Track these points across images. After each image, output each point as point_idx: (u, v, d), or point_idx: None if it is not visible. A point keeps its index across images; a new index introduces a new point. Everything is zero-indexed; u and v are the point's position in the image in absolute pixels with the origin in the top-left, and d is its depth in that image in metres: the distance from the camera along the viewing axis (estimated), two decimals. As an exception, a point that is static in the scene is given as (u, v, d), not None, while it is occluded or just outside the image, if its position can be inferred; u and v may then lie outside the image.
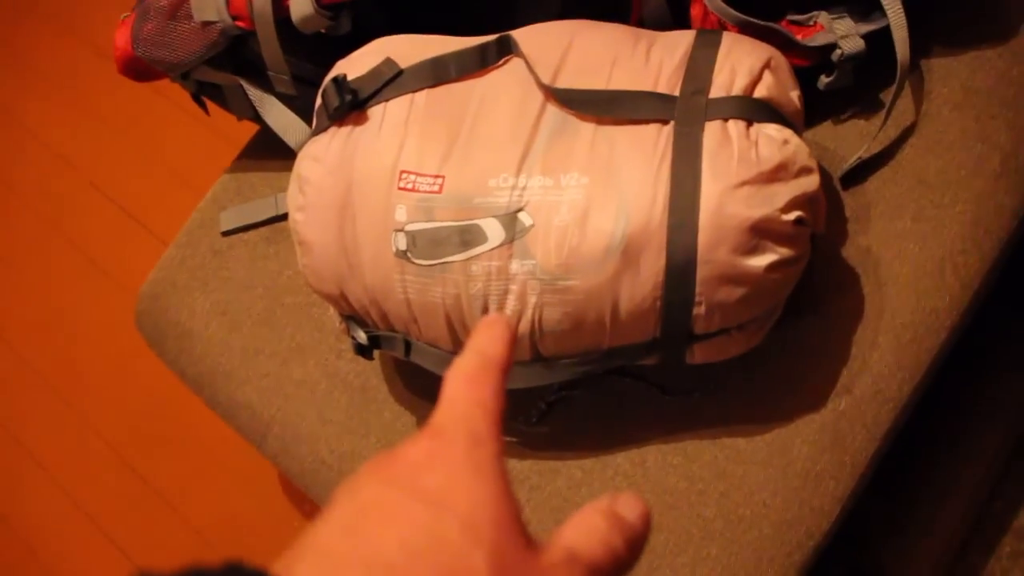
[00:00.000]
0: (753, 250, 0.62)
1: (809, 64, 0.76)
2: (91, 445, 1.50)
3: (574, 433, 0.78)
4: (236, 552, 1.31)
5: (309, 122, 0.75)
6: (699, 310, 0.64)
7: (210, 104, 0.89)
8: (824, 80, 0.77)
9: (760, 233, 0.62)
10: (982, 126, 0.78)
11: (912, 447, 1.03)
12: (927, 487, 1.02)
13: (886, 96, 0.80)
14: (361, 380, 0.83)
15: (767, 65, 0.67)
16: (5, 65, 1.89)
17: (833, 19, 0.75)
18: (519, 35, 0.70)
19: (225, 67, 0.82)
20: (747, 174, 0.62)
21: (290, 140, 0.81)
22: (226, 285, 0.89)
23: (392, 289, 0.68)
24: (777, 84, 0.66)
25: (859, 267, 0.76)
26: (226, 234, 0.90)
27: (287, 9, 0.74)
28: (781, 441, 0.74)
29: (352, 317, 0.73)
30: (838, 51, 0.74)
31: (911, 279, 0.75)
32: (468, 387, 0.34)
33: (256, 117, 0.85)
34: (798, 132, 0.68)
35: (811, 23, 0.76)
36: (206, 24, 0.77)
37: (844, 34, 0.74)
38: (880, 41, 0.74)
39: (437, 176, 0.66)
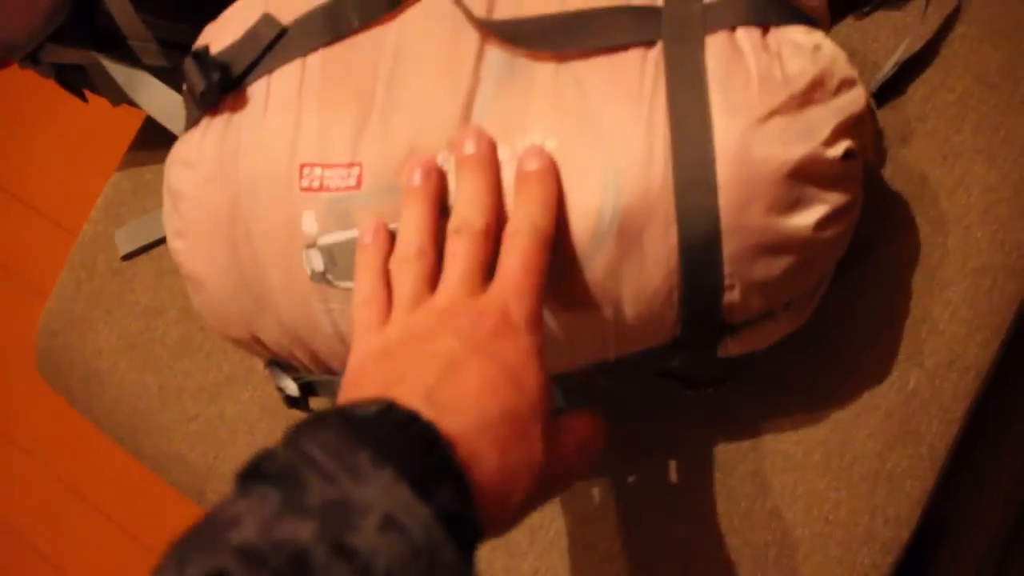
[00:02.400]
0: (796, 204, 0.46)
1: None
2: (50, 488, 1.38)
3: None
4: None
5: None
6: (732, 295, 0.48)
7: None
8: (844, -36, 0.59)
9: (802, 179, 0.45)
10: (1055, -2, 0.61)
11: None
12: (966, 476, 0.88)
13: (923, -24, 0.63)
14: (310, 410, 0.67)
15: None
16: None
17: None
18: None
19: (80, 42, 0.64)
20: (774, 100, 0.45)
21: (171, 125, 0.63)
22: (132, 311, 0.73)
23: (317, 323, 0.51)
24: None
25: (913, 202, 0.60)
26: (127, 257, 0.73)
27: (133, -43, 0.56)
28: (839, 437, 0.58)
29: (275, 362, 0.56)
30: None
31: (982, 209, 0.59)
32: (529, 274, 0.42)
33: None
34: (825, 32, 0.51)
35: None
36: (36, -11, 0.59)
37: (867, -101, 0.57)
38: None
39: (351, 165, 0.49)
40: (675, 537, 0.60)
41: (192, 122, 0.53)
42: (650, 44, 0.47)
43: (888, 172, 0.61)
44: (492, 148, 0.47)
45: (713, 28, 0.47)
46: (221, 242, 0.51)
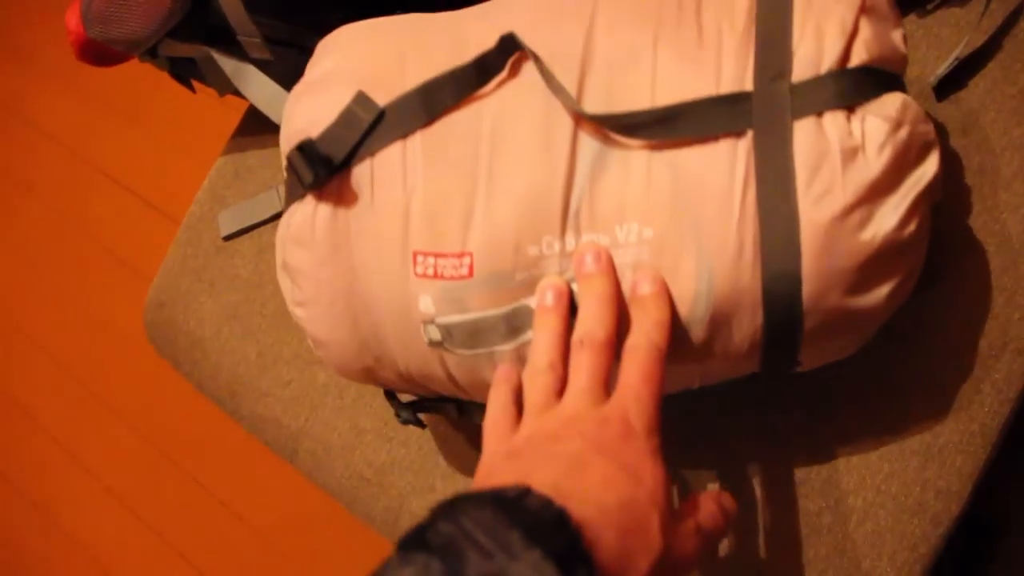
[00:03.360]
0: (872, 283, 0.49)
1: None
2: (137, 450, 1.46)
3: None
4: (303, 553, 1.26)
5: (290, 88, 0.62)
6: (806, 353, 0.52)
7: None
8: (906, -36, 0.62)
9: (880, 261, 0.48)
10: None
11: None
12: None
13: (987, -27, 0.65)
14: (393, 380, 0.72)
15: (862, 8, 0.50)
16: (6, 59, 1.80)
17: None
18: (524, 24, 0.53)
19: (194, 37, 0.70)
20: (857, 191, 0.47)
21: (273, 115, 0.69)
22: (234, 284, 0.78)
23: (433, 373, 0.55)
24: (877, 34, 0.50)
25: (972, 191, 0.62)
26: (228, 238, 0.79)
27: (245, -39, 0.62)
28: (893, 411, 0.61)
29: (390, 392, 0.61)
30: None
31: (1040, 199, 0.61)
32: (648, 386, 0.46)
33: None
34: (903, 81, 0.52)
35: None
36: (158, -10, 0.65)
37: (931, -98, 0.59)
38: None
39: (462, 255, 0.51)
40: (746, 502, 0.63)
41: (296, 197, 0.54)
42: (741, 133, 0.48)
43: (947, 164, 0.63)
44: (610, 262, 0.49)
45: (801, 113, 0.48)
46: (342, 314, 0.54)
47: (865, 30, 0.49)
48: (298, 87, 0.57)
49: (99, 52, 0.72)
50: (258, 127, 0.82)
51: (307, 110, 0.54)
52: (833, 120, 0.48)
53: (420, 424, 0.62)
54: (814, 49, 0.49)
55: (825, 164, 0.47)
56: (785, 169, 0.47)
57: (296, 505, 1.28)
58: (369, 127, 0.52)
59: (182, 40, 0.70)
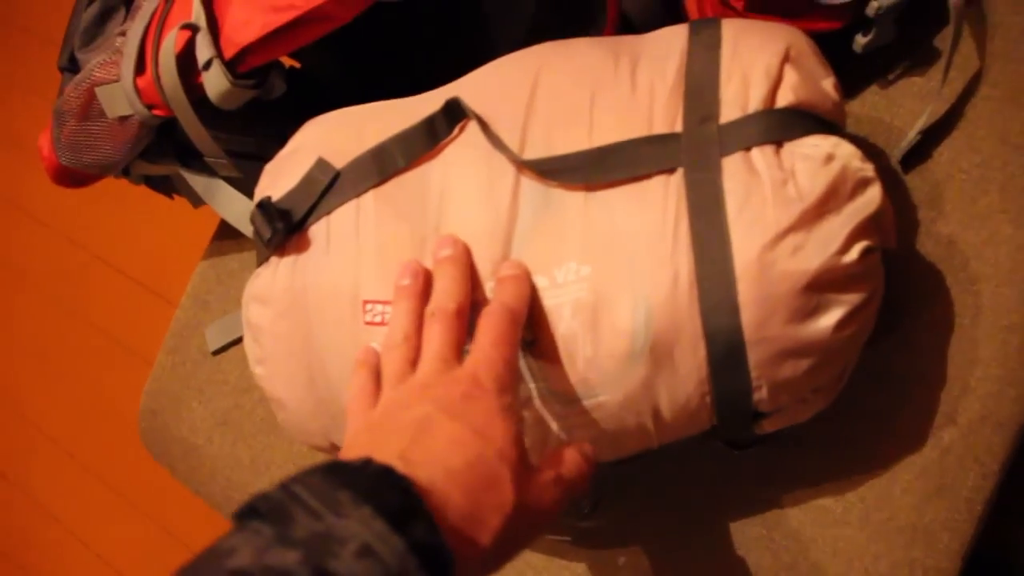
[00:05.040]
0: (814, 311, 0.48)
1: (841, 25, 0.61)
2: (147, 531, 1.47)
3: (634, 514, 0.66)
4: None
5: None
6: (760, 394, 0.51)
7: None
8: (861, 41, 0.62)
9: (819, 288, 0.48)
10: (1074, 59, 0.62)
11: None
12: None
13: (941, 43, 0.64)
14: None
15: (786, 58, 0.52)
16: (2, 147, 1.83)
17: (861, -34, 0.60)
18: (470, 89, 0.56)
19: (164, 157, 0.71)
20: (788, 218, 0.48)
21: (244, 229, 0.70)
22: (223, 391, 0.79)
23: None
24: (803, 80, 0.51)
25: (942, 264, 0.62)
26: (216, 353, 0.80)
27: (202, 88, 0.63)
28: (876, 493, 0.61)
29: None
30: (874, 3, 0.59)
31: (1010, 268, 0.61)
32: (499, 346, 0.47)
33: (213, 202, 0.75)
34: (841, 130, 0.53)
35: (834, -24, 0.61)
36: (123, 119, 0.66)
37: (878, -17, 0.59)
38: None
39: None
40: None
41: (263, 259, 0.58)
42: (671, 171, 0.50)
43: (918, 237, 0.63)
44: (465, 249, 0.52)
45: (729, 150, 0.49)
46: (298, 369, 0.56)
47: (790, 76, 0.51)
48: (268, 164, 0.60)
49: (72, 175, 0.73)
50: (237, 231, 0.82)
51: (273, 180, 0.59)
52: (762, 154, 0.49)
53: None
54: (740, 93, 0.51)
55: (755, 195, 0.48)
56: (716, 201, 0.49)
57: None
58: (326, 188, 0.56)
59: (152, 161, 0.71)
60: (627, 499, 0.66)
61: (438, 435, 0.43)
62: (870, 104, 0.66)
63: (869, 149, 0.65)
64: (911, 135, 0.63)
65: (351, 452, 0.44)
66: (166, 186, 0.76)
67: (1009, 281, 0.60)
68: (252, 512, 0.37)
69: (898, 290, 0.62)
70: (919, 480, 0.60)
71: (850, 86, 0.66)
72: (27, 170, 1.77)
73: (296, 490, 0.37)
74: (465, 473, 0.42)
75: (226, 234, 0.83)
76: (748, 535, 0.63)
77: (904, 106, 0.65)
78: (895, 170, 0.64)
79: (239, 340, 0.79)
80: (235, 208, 0.70)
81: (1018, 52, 0.63)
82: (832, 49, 0.57)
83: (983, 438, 0.60)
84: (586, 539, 0.67)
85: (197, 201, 0.75)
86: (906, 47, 0.65)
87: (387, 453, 0.41)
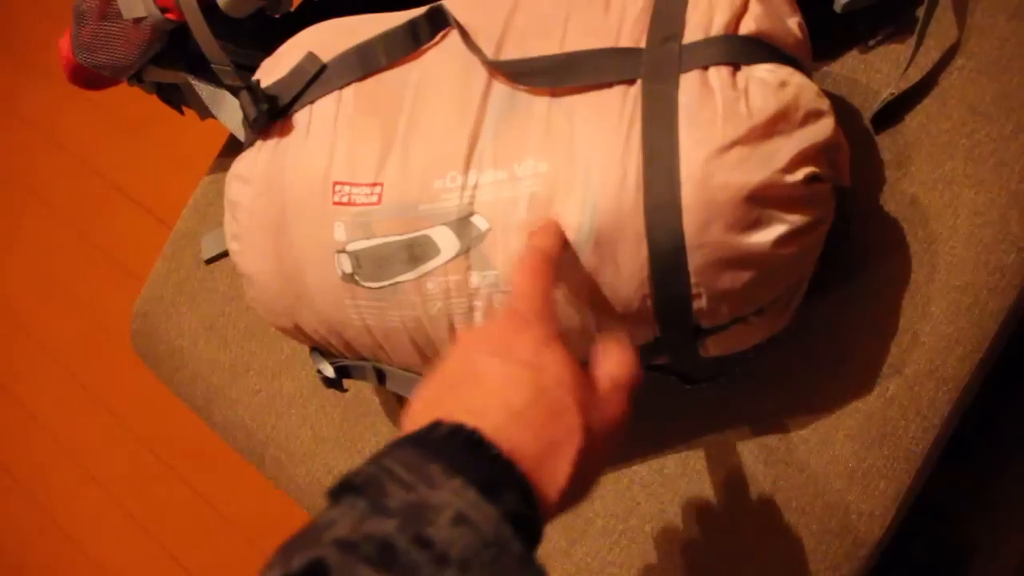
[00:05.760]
0: (755, 224, 0.51)
1: (823, -17, 0.63)
2: (134, 452, 1.51)
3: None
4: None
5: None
6: (700, 303, 0.53)
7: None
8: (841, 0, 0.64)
9: (760, 202, 0.50)
10: (1048, 35, 0.64)
11: (1007, 406, 0.90)
12: (1019, 452, 0.89)
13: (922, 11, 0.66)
14: (353, 392, 0.76)
15: None
16: (25, 74, 1.89)
17: (847, -74, 0.62)
18: (455, 2, 0.59)
19: (175, 64, 0.75)
20: (736, 132, 0.50)
21: (243, 137, 0.73)
22: (211, 298, 0.83)
23: (347, 317, 0.60)
24: (767, 13, 0.54)
25: (904, 222, 0.64)
26: (209, 262, 0.83)
27: (214, -6, 0.66)
28: (820, 436, 0.63)
29: (316, 348, 0.65)
30: (855, -37, 0.62)
31: (968, 231, 0.62)
32: (532, 279, 0.48)
33: (219, 114, 0.78)
34: (803, 68, 0.56)
35: (820, -66, 0.63)
36: (137, 21, 0.70)
37: (861, -57, 0.61)
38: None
39: (374, 184, 0.57)
40: (664, 520, 0.66)
41: (249, 143, 0.62)
42: (632, 81, 0.53)
43: (882, 195, 0.65)
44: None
45: (688, 67, 0.52)
46: (269, 247, 0.60)
47: (755, 7, 0.54)
48: (266, 60, 0.65)
49: (88, 76, 0.77)
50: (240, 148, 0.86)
51: (267, 72, 0.63)
52: (718, 74, 0.52)
53: (341, 388, 0.66)
54: (704, 18, 0.54)
55: (707, 108, 0.51)
56: (669, 111, 0.51)
57: (279, 508, 1.33)
58: (312, 78, 0.60)
59: (164, 67, 0.75)
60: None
61: (491, 379, 0.43)
62: (849, 67, 0.68)
63: (845, 107, 0.67)
64: (883, 97, 0.65)
65: (412, 416, 0.44)
66: (176, 97, 0.79)
67: (965, 243, 0.62)
68: (345, 488, 0.38)
69: (860, 242, 0.64)
70: (862, 427, 0.62)
71: (832, 48, 0.68)
72: (47, 96, 1.84)
73: (387, 464, 0.38)
74: (528, 409, 0.41)
75: (230, 151, 0.87)
76: (690, 468, 0.65)
77: (882, 71, 0.67)
78: (867, 129, 0.66)
79: (231, 249, 0.82)
80: (237, 117, 0.73)
81: (994, 27, 0.65)
82: (813, 7, 0.59)
83: (927, 392, 0.61)
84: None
85: (204, 113, 0.78)
86: (890, 14, 0.67)
87: (448, 413, 0.41)
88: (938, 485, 0.65)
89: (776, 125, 0.51)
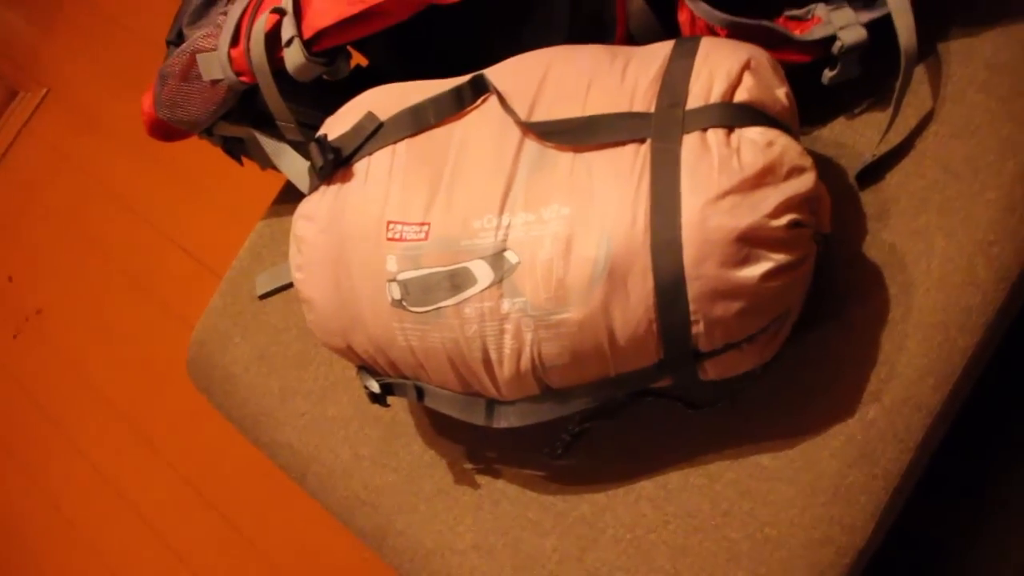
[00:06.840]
0: (744, 260, 0.60)
1: (811, 59, 0.73)
2: (172, 484, 1.60)
3: (599, 460, 0.77)
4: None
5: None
6: (698, 328, 0.62)
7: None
8: (828, 74, 0.73)
9: (749, 242, 0.59)
10: (1009, 105, 0.72)
11: (1002, 443, 0.96)
12: (1013, 486, 0.95)
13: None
14: (391, 414, 0.84)
15: (746, 66, 0.64)
16: (90, 132, 2.03)
17: (831, 10, 0.72)
18: (494, 72, 0.70)
19: (242, 120, 0.85)
20: (729, 183, 0.60)
21: (303, 187, 0.83)
22: (264, 329, 0.92)
23: (394, 338, 0.69)
24: (759, 84, 0.64)
25: (883, 267, 0.72)
26: (263, 297, 0.93)
27: (282, 61, 0.76)
28: (807, 456, 0.70)
29: (364, 367, 0.74)
30: (838, 43, 0.71)
31: (939, 276, 0.70)
32: None
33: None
34: (791, 131, 0.65)
35: (809, 16, 0.73)
36: (215, 82, 0.80)
37: (843, 24, 0.71)
38: (892, 26, 0.71)
39: (422, 224, 0.67)
40: (668, 530, 0.73)
41: (313, 188, 0.72)
42: (643, 140, 0.63)
43: (865, 243, 0.73)
44: None
45: (690, 129, 0.62)
46: (329, 276, 0.70)
47: (748, 80, 0.64)
48: (329, 117, 0.76)
49: (165, 130, 0.87)
50: (294, 197, 0.96)
51: (330, 127, 0.74)
52: (715, 135, 0.61)
53: (384, 403, 0.75)
54: (705, 88, 0.63)
55: (704, 163, 0.60)
56: (673, 165, 0.61)
57: (301, 533, 1.40)
58: (371, 134, 0.71)
59: (232, 123, 0.85)
60: (593, 446, 0.77)
61: None
62: (837, 131, 0.77)
63: (833, 166, 0.76)
64: (865, 159, 0.74)
65: None
66: (238, 149, 0.89)
67: (937, 286, 0.70)
68: None
69: (844, 284, 0.73)
70: (845, 447, 0.69)
71: (821, 115, 0.77)
72: (109, 152, 1.98)
73: None
74: None
75: (284, 199, 0.97)
76: (691, 483, 0.73)
77: (865, 135, 0.76)
78: (852, 186, 0.75)
79: (284, 287, 0.91)
80: (297, 167, 0.83)
81: (964, 97, 0.74)
82: (806, 81, 0.69)
83: (904, 417, 0.69)
84: (558, 476, 0.77)
85: (265, 163, 0.89)
86: (874, 85, 0.76)
87: None
88: (929, 516, 0.72)
89: (764, 178, 0.60)
